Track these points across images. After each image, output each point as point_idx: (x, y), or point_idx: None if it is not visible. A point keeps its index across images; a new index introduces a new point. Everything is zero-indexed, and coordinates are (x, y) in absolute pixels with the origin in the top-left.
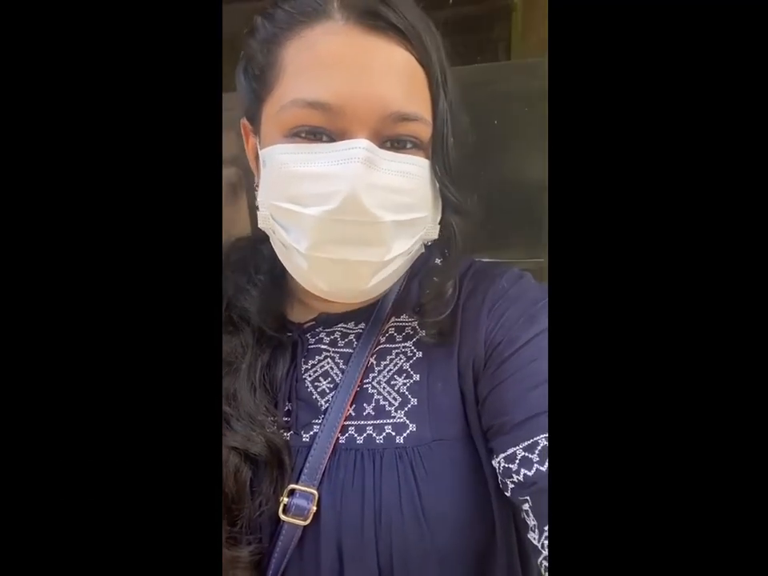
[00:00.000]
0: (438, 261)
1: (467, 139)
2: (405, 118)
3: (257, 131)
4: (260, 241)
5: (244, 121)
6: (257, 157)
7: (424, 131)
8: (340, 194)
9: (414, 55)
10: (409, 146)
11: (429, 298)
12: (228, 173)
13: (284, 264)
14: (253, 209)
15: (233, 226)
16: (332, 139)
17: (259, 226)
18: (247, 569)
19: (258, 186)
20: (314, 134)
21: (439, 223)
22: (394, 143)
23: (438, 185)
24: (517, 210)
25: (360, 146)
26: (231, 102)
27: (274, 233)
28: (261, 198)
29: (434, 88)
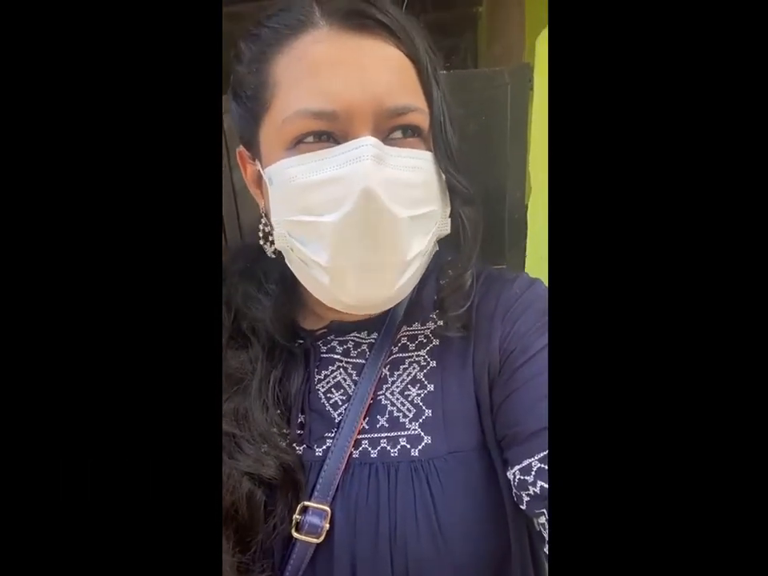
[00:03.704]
0: (450, 258)
1: (467, 129)
2: (401, 112)
3: (256, 155)
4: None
5: (240, 149)
6: (259, 181)
7: (422, 120)
8: (354, 194)
9: (401, 50)
10: (409, 133)
11: (448, 291)
12: None
13: (303, 283)
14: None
15: None
16: (336, 141)
17: (277, 246)
18: None
19: (264, 210)
20: (320, 137)
21: (449, 216)
22: (396, 133)
23: (443, 176)
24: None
25: (367, 144)
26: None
27: (292, 250)
28: (274, 218)
29: (426, 79)
